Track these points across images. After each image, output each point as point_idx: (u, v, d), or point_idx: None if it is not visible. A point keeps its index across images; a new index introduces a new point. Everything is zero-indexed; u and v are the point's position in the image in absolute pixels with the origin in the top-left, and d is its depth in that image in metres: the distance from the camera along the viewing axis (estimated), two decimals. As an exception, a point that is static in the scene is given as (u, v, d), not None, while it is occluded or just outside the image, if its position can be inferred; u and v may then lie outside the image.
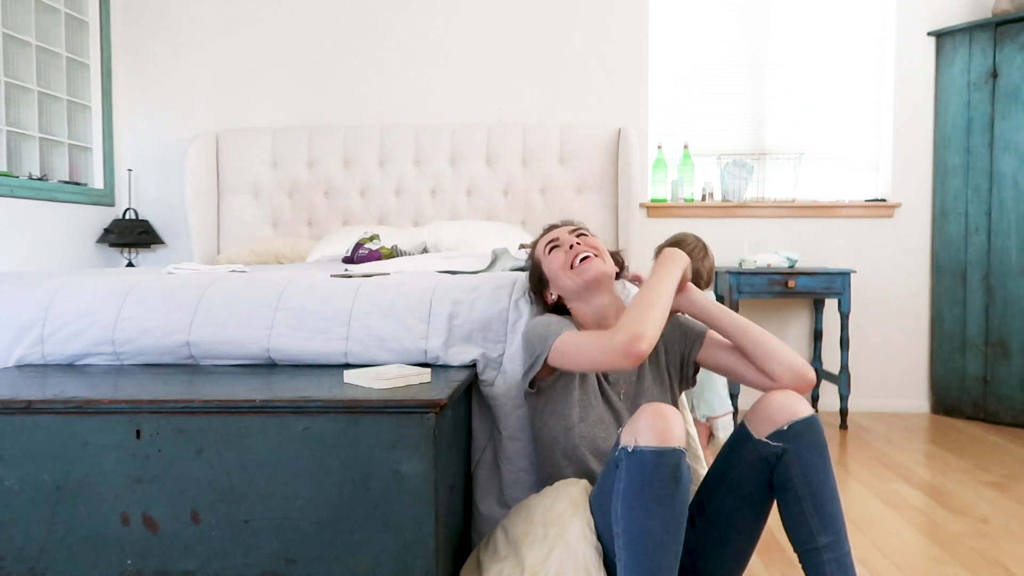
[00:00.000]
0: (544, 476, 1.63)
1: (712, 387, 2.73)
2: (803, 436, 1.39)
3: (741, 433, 1.47)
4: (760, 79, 3.99)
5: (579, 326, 1.64)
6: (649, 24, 3.93)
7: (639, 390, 1.62)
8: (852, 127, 3.98)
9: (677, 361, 1.67)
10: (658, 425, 1.31)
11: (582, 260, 1.60)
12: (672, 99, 4.03)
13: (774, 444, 1.41)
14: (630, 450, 1.31)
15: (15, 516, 1.42)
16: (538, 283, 1.71)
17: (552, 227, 1.76)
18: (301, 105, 4.00)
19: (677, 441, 1.30)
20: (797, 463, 1.39)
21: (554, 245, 1.67)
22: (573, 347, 1.47)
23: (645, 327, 1.39)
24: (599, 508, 1.40)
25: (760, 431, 1.43)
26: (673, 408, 1.36)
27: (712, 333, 1.65)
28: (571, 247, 1.63)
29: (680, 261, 1.55)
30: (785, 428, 1.40)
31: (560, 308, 1.70)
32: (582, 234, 1.68)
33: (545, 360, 1.51)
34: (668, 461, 1.28)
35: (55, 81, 3.65)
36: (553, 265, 1.65)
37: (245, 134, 3.89)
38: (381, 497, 1.38)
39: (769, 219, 3.93)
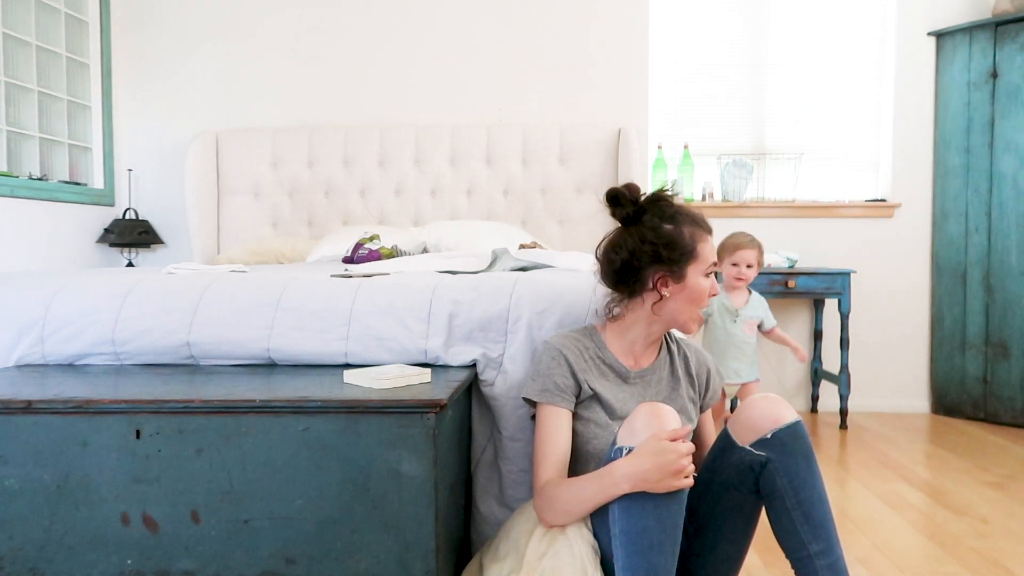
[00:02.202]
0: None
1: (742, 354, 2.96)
2: (787, 444, 1.37)
3: (724, 440, 1.46)
4: (760, 79, 3.99)
5: (613, 332, 1.58)
6: (649, 24, 3.93)
7: (671, 402, 1.60)
8: (852, 127, 3.98)
9: (696, 398, 1.64)
10: (655, 424, 1.31)
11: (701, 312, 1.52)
12: (672, 99, 4.03)
13: (758, 453, 1.39)
14: (627, 450, 1.31)
15: (15, 516, 1.42)
16: (670, 268, 1.48)
17: (710, 229, 1.53)
18: (301, 105, 4.00)
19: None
20: (783, 472, 1.37)
21: (711, 272, 1.51)
22: (536, 433, 1.50)
23: (561, 519, 1.41)
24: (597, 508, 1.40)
25: (743, 439, 1.41)
26: (670, 408, 1.35)
27: (708, 414, 1.68)
28: (712, 294, 1.52)
29: (637, 478, 1.28)
30: (769, 436, 1.38)
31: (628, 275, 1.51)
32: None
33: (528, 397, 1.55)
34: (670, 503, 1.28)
35: (55, 81, 3.65)
36: (699, 293, 1.49)
37: (245, 134, 3.89)
38: (381, 497, 1.38)
39: (769, 219, 3.93)
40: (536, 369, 1.54)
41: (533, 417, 1.58)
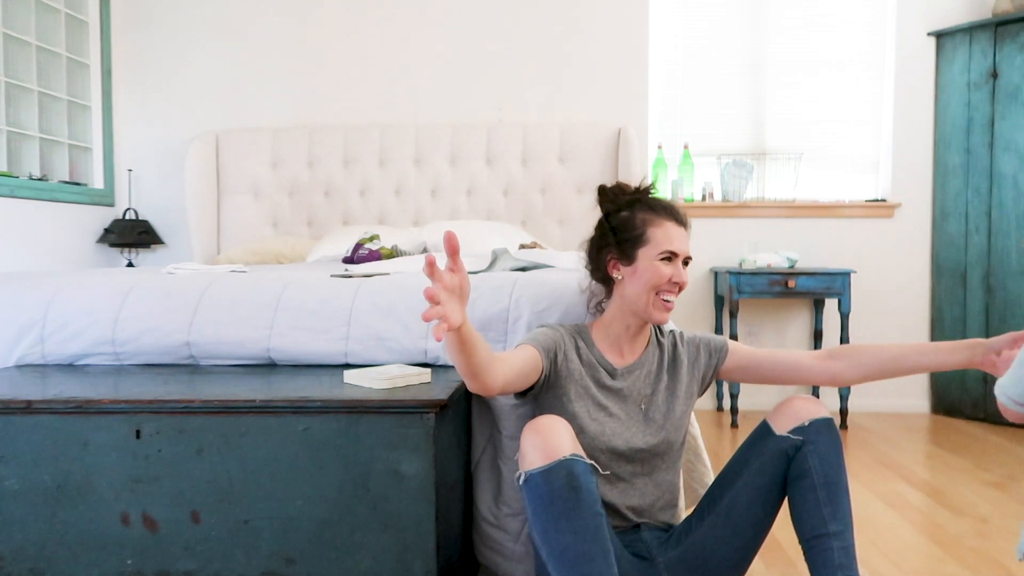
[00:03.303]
0: None
1: None
2: (822, 432, 1.46)
3: (762, 430, 1.53)
4: (760, 79, 3.99)
5: (599, 329, 1.62)
6: (649, 24, 3.93)
7: (652, 402, 1.61)
8: (852, 127, 3.98)
9: (699, 378, 1.66)
10: (539, 443, 1.33)
11: (666, 301, 1.54)
12: (672, 99, 4.03)
13: (795, 437, 1.46)
14: (523, 479, 1.33)
15: (15, 516, 1.42)
16: (620, 251, 1.56)
17: (674, 216, 1.57)
18: (301, 105, 4.00)
19: (564, 451, 1.31)
20: (815, 454, 1.44)
21: (668, 258, 1.53)
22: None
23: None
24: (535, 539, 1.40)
25: (782, 428, 1.49)
26: (554, 417, 1.38)
27: (735, 345, 1.66)
28: (674, 282, 1.53)
29: None
30: (807, 424, 1.47)
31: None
32: (686, 262, 1.57)
33: None
34: (558, 475, 1.29)
35: (55, 81, 3.65)
36: (651, 277, 1.52)
37: (245, 134, 3.89)
38: (381, 497, 1.38)
39: (769, 219, 3.93)
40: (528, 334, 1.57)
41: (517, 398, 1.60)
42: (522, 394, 1.55)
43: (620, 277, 1.57)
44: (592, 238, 1.63)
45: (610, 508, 1.54)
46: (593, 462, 1.40)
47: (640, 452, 1.55)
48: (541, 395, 1.55)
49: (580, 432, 1.51)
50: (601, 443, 1.53)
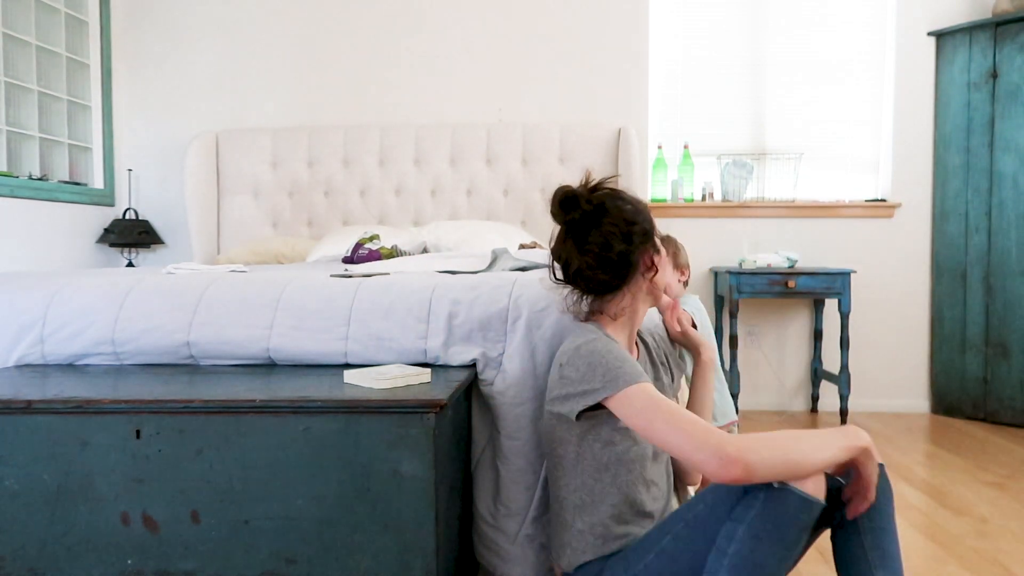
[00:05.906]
0: (578, 500, 1.44)
1: (721, 393, 2.36)
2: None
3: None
4: (760, 79, 3.99)
5: (616, 327, 1.54)
6: (649, 24, 3.93)
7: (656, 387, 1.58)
8: (852, 127, 3.98)
9: (670, 382, 1.67)
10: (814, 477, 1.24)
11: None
12: (672, 99, 4.03)
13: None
14: (777, 485, 1.22)
15: (15, 516, 1.42)
16: (652, 236, 1.49)
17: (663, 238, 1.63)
18: (301, 105, 4.00)
19: (822, 496, 1.24)
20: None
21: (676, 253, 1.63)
22: (653, 412, 1.26)
23: (758, 463, 1.19)
24: (697, 519, 1.30)
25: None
26: None
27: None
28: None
29: (850, 445, 1.26)
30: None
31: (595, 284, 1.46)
32: None
33: (601, 399, 1.33)
34: (811, 512, 1.22)
35: (55, 81, 3.66)
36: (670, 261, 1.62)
37: (245, 134, 3.89)
38: (381, 497, 1.38)
39: (769, 219, 3.93)
40: (619, 369, 1.34)
41: (575, 418, 1.40)
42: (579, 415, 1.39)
43: (660, 266, 1.51)
44: (619, 238, 1.43)
45: (647, 516, 1.46)
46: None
47: (657, 449, 1.54)
48: (604, 413, 1.41)
49: (619, 442, 1.41)
50: (644, 445, 1.44)
